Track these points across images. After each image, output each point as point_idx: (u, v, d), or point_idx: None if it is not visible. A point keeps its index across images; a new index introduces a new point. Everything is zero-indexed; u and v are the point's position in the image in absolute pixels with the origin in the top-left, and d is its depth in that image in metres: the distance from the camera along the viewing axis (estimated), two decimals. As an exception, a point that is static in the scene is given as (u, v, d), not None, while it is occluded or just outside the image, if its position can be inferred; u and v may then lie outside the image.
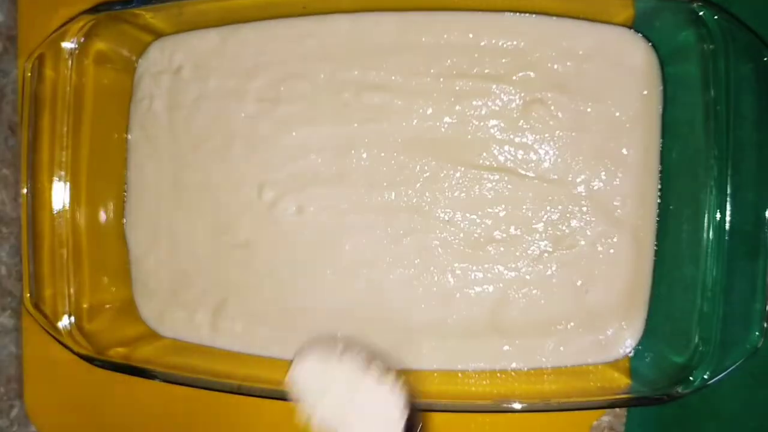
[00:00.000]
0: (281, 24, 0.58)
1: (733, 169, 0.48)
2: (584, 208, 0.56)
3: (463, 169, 0.56)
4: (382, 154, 0.57)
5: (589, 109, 0.55)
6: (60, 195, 0.57)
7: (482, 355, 0.56)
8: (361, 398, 0.48)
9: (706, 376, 0.49)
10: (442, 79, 0.56)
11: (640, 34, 0.55)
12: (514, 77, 0.56)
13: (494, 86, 0.56)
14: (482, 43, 0.56)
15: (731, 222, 0.48)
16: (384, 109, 0.57)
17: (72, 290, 0.56)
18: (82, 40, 0.55)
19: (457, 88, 0.56)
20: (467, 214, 0.56)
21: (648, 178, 0.55)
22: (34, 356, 0.64)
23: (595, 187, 0.55)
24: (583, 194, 0.55)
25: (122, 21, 0.57)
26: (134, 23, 0.57)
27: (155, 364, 0.56)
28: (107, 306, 0.60)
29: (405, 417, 0.48)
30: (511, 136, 0.56)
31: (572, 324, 0.56)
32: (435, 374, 0.57)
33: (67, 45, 0.55)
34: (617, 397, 0.53)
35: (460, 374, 0.57)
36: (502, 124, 0.56)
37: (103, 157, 0.60)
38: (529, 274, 0.56)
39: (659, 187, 0.55)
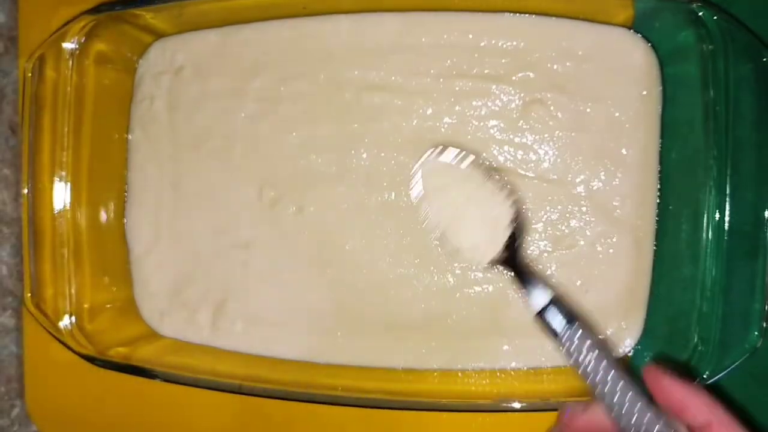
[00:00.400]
0: (282, 24, 0.58)
1: (732, 169, 0.48)
2: (584, 208, 0.56)
3: (463, 169, 0.56)
4: (382, 154, 0.57)
5: (588, 110, 0.55)
6: (61, 195, 0.57)
7: (482, 355, 0.56)
8: (475, 203, 0.50)
9: (705, 376, 0.49)
10: (442, 80, 0.56)
11: (639, 35, 0.55)
12: (513, 77, 0.56)
13: (494, 86, 0.56)
14: (482, 44, 0.56)
15: (730, 222, 0.48)
16: (384, 109, 0.57)
17: (73, 290, 0.57)
18: (82, 40, 0.55)
19: (457, 88, 0.56)
20: (467, 214, 0.56)
21: (647, 178, 0.55)
22: (35, 356, 0.64)
23: (595, 187, 0.55)
24: (583, 194, 0.56)
25: (123, 21, 0.57)
26: (135, 23, 0.58)
27: (156, 363, 0.56)
28: (108, 306, 0.60)
29: (511, 229, 0.50)
30: (511, 136, 0.56)
31: (572, 324, 0.56)
32: (435, 374, 0.57)
33: (68, 45, 0.55)
34: (617, 396, 0.53)
35: (460, 374, 0.57)
36: (502, 125, 0.56)
37: (104, 158, 0.60)
38: (528, 274, 0.56)
39: (658, 187, 0.55)
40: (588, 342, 0.43)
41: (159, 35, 0.60)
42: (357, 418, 0.59)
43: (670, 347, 0.53)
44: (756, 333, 0.48)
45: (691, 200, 0.51)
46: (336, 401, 0.54)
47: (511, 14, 0.56)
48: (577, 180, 0.56)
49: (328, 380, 0.56)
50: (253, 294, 0.59)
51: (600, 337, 0.44)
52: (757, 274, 0.48)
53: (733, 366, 0.48)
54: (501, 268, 0.51)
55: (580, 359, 0.43)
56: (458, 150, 0.53)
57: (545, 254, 0.56)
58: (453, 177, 0.51)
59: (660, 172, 0.55)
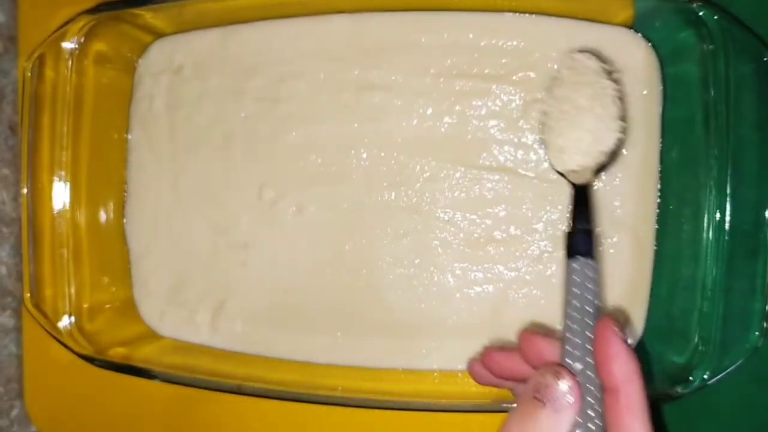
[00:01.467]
0: (281, 24, 0.58)
1: (733, 169, 0.48)
2: (584, 208, 0.56)
3: (463, 169, 0.56)
4: (382, 154, 0.57)
5: (589, 109, 0.55)
6: (60, 195, 0.57)
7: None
8: (591, 116, 0.49)
9: (705, 376, 0.49)
10: (442, 79, 0.56)
11: (639, 34, 0.55)
12: (514, 77, 0.56)
13: (494, 86, 0.56)
14: (482, 43, 0.56)
15: (731, 222, 0.48)
16: (384, 109, 0.57)
17: (72, 290, 0.57)
18: (82, 40, 0.55)
19: (457, 88, 0.56)
20: (467, 214, 0.56)
21: (648, 178, 0.55)
22: (34, 356, 0.64)
23: (595, 187, 0.55)
24: (583, 194, 0.55)
25: (122, 21, 0.57)
26: (134, 23, 0.58)
27: (155, 364, 0.57)
28: (107, 306, 0.60)
29: (603, 158, 0.50)
30: (511, 136, 0.56)
31: (572, 324, 0.56)
32: (435, 374, 0.57)
33: (68, 45, 0.55)
34: (617, 396, 0.53)
35: (460, 374, 0.57)
36: (502, 124, 0.56)
37: (104, 157, 0.60)
38: (529, 274, 0.56)
39: (659, 187, 0.55)
40: (590, 283, 0.44)
41: (158, 35, 0.60)
42: (357, 418, 0.59)
43: (670, 347, 0.53)
44: (757, 333, 0.48)
45: (692, 200, 0.51)
46: (335, 402, 0.54)
47: (512, 14, 0.56)
48: (578, 180, 0.55)
49: (327, 381, 0.56)
50: (252, 294, 0.59)
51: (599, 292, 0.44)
52: (757, 273, 0.48)
53: (733, 366, 0.48)
54: (569, 182, 0.50)
55: (574, 290, 0.44)
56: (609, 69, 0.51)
57: (546, 254, 0.56)
58: (589, 83, 0.50)
59: (660, 171, 0.55)
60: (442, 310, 0.57)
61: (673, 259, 0.54)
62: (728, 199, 0.48)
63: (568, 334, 0.42)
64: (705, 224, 0.49)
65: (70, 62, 0.55)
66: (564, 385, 0.39)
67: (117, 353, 0.57)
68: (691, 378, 0.49)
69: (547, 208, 0.56)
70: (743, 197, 0.48)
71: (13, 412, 0.66)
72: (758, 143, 0.48)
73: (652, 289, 0.55)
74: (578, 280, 0.44)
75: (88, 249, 0.58)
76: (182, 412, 0.62)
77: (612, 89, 0.50)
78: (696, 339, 0.50)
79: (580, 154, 0.50)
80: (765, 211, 0.48)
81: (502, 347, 0.46)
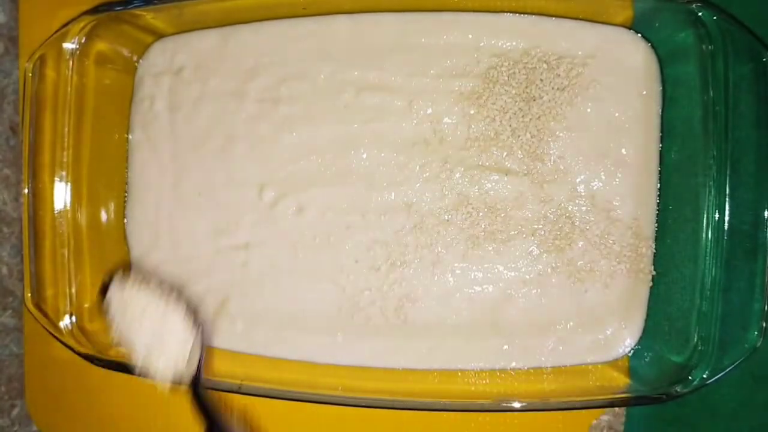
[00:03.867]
0: (282, 25, 0.58)
1: (731, 169, 0.49)
2: (584, 208, 0.56)
3: (462, 169, 0.56)
4: (382, 154, 0.57)
5: (588, 110, 0.55)
6: (61, 195, 0.57)
7: (482, 355, 0.57)
8: (165, 325, 0.53)
9: (705, 376, 0.49)
10: (441, 80, 0.57)
11: (639, 35, 0.55)
12: (513, 77, 0.56)
13: (494, 86, 0.56)
14: (481, 44, 0.56)
15: (730, 222, 0.49)
16: (384, 109, 0.57)
17: (73, 290, 0.57)
18: (83, 40, 0.56)
19: (457, 88, 0.56)
20: (467, 214, 0.56)
21: (647, 178, 0.55)
22: (35, 356, 0.64)
23: (595, 187, 0.56)
24: (583, 194, 0.56)
25: (123, 21, 0.57)
26: (135, 24, 0.58)
27: (156, 363, 0.57)
28: (108, 306, 0.60)
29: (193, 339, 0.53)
30: (511, 137, 0.56)
31: (572, 323, 0.56)
32: (435, 374, 0.57)
33: (68, 45, 0.55)
34: (616, 396, 0.53)
35: (459, 374, 0.57)
36: (502, 124, 0.56)
37: (104, 158, 0.60)
38: (528, 274, 0.56)
39: (658, 186, 0.55)
40: None
41: (159, 35, 0.60)
42: (357, 417, 0.59)
43: (669, 347, 0.53)
44: (756, 333, 0.48)
45: (691, 200, 0.51)
46: (336, 401, 0.54)
47: (511, 14, 0.56)
48: (578, 180, 0.56)
49: (327, 380, 0.56)
50: (253, 294, 0.59)
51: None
52: (756, 273, 0.48)
53: (733, 366, 0.48)
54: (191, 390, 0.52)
55: None
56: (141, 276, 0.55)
57: (545, 254, 0.56)
58: (142, 302, 0.54)
59: (660, 171, 0.55)
60: (442, 310, 0.57)
61: (673, 259, 0.54)
62: (727, 199, 0.49)
63: None
64: (704, 224, 0.50)
65: (71, 63, 0.56)
66: None
67: (118, 352, 0.57)
68: (690, 377, 0.50)
69: (547, 208, 0.56)
70: (742, 197, 0.49)
71: (14, 411, 0.66)
72: (757, 144, 0.49)
73: (651, 289, 0.55)
74: None
75: (89, 249, 0.58)
76: (182, 412, 0.62)
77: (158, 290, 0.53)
78: (695, 338, 0.50)
79: (179, 360, 0.53)
80: (764, 211, 0.48)
81: None
